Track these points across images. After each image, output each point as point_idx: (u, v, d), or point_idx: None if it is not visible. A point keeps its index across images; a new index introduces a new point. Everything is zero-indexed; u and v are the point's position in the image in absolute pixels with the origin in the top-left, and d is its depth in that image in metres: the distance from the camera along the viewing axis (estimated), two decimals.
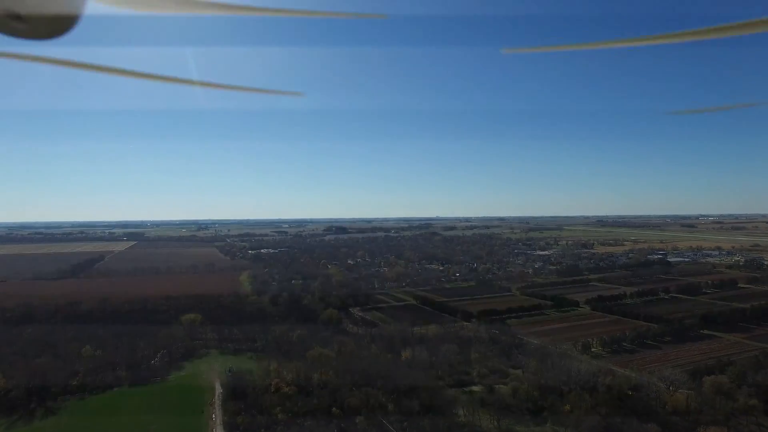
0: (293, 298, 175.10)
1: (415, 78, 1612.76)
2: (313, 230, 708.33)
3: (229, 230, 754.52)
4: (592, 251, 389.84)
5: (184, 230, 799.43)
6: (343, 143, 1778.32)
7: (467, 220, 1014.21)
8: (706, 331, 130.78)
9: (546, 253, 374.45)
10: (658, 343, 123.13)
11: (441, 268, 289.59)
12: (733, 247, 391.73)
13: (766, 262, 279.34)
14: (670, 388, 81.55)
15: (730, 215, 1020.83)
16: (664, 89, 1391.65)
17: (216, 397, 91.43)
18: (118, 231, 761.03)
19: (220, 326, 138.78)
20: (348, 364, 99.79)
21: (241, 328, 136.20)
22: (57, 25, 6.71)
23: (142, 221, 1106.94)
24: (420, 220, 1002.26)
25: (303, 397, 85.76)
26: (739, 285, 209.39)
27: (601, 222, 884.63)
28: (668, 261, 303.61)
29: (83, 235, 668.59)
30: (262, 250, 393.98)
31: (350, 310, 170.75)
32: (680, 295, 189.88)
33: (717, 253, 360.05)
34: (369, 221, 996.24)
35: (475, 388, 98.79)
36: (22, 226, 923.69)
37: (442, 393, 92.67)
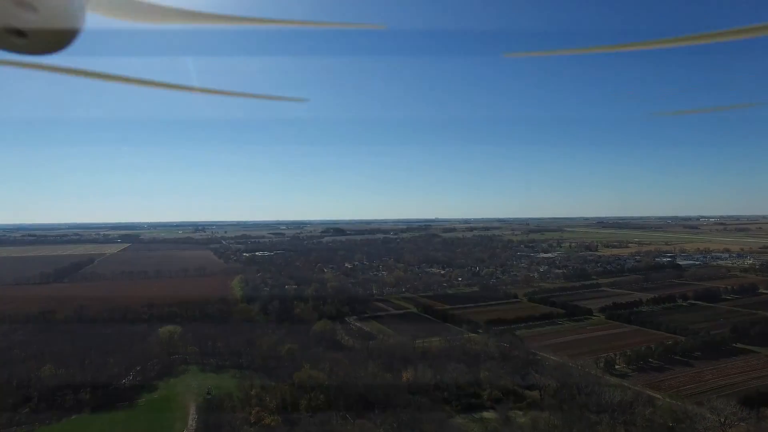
0: (285, 306, 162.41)
1: (415, 81, 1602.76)
2: (311, 232, 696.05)
3: (225, 232, 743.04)
4: (598, 254, 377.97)
5: (180, 232, 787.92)
6: (341, 145, 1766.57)
7: (466, 221, 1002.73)
8: (738, 345, 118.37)
9: (550, 255, 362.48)
10: (688, 359, 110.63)
11: (442, 272, 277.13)
12: (742, 249, 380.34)
13: None
14: (721, 418, 69.10)
15: (730, 216, 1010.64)
16: (657, 91, 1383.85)
17: (187, 428, 78.94)
18: (113, 233, 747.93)
19: (204, 338, 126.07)
20: (341, 387, 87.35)
21: (225, 341, 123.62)
22: (57, 40, 6.61)
23: (139, 223, 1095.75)
24: (419, 221, 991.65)
25: (288, 429, 73.42)
26: (759, 290, 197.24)
27: (602, 223, 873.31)
28: (678, 264, 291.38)
29: (77, 237, 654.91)
30: (257, 253, 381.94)
31: (346, 319, 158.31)
32: (699, 302, 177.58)
33: (727, 255, 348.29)
34: (368, 223, 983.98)
35: (486, 414, 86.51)
36: (18, 228, 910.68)
37: (450, 422, 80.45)
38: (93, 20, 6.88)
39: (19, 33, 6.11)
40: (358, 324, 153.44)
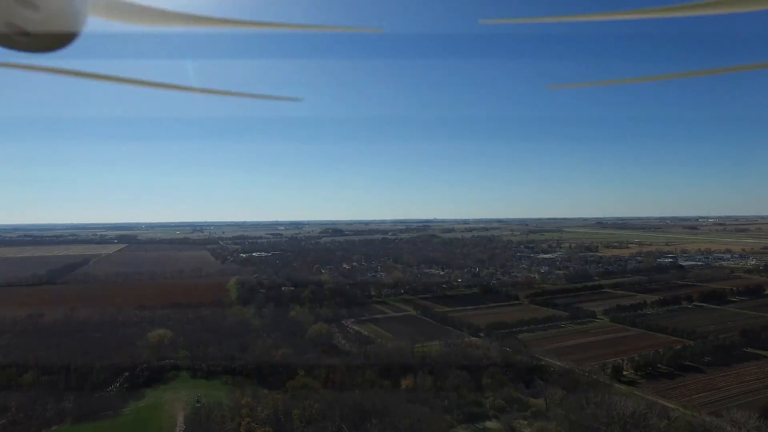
0: (281, 308, 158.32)
1: (413, 81, 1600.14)
2: (309, 232, 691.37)
3: (223, 232, 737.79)
4: (598, 254, 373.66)
5: (178, 232, 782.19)
6: (340, 145, 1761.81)
7: (465, 221, 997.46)
8: (750, 350, 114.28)
9: (550, 256, 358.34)
10: (698, 365, 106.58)
11: (441, 273, 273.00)
12: (743, 250, 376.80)
13: None
14: None
15: (729, 216, 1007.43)
16: (658, 91, 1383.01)
17: None
18: (110, 233, 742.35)
19: (196, 342, 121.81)
20: (337, 395, 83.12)
21: (218, 346, 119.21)
22: (58, 40, 6.70)
23: (136, 223, 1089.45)
24: (417, 221, 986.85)
25: None
26: (766, 292, 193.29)
27: (601, 224, 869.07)
28: (681, 265, 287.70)
29: (74, 237, 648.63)
30: (254, 254, 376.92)
31: (343, 322, 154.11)
32: (705, 304, 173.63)
33: (729, 256, 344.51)
34: (366, 223, 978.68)
35: (490, 424, 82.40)
36: (14, 228, 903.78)
37: None
38: (93, 22, 6.89)
39: (24, 33, 6.05)
40: (355, 327, 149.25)
